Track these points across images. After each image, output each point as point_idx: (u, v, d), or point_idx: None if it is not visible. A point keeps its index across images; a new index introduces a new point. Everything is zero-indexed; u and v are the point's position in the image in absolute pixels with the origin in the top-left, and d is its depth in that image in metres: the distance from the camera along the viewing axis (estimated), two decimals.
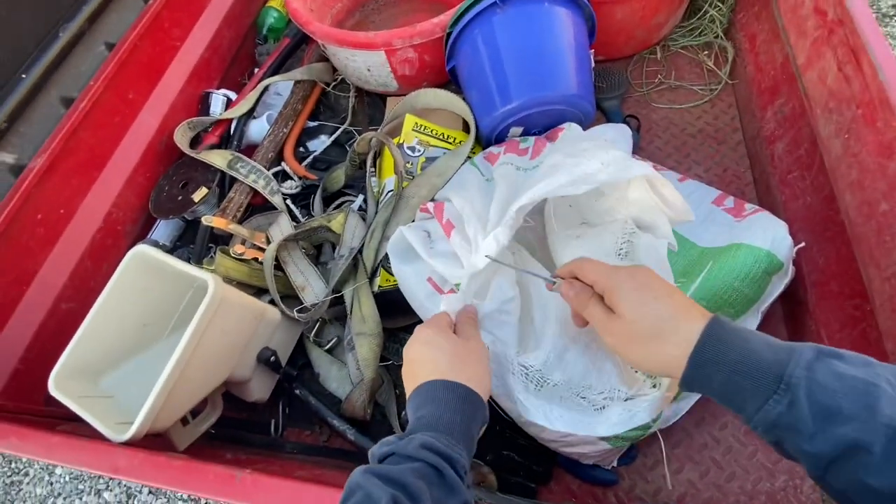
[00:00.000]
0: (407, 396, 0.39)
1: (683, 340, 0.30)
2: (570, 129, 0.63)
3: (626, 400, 0.45)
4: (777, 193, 0.65)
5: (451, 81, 0.77)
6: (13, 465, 0.95)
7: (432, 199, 0.63)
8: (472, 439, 0.36)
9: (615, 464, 0.54)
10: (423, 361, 0.39)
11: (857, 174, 0.49)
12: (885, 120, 0.46)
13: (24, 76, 0.65)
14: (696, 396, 0.53)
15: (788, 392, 0.27)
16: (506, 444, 0.55)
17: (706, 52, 0.83)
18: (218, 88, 0.87)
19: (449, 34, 0.69)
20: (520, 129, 0.68)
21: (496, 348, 0.47)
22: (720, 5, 0.82)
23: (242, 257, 0.62)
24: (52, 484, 0.92)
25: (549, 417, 0.44)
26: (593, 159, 0.44)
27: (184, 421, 0.53)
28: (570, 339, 0.49)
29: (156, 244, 0.74)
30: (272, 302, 0.60)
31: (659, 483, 0.55)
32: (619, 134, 0.65)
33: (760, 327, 0.55)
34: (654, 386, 0.44)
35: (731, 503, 0.53)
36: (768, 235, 0.51)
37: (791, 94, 0.64)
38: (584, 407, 0.46)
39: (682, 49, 0.85)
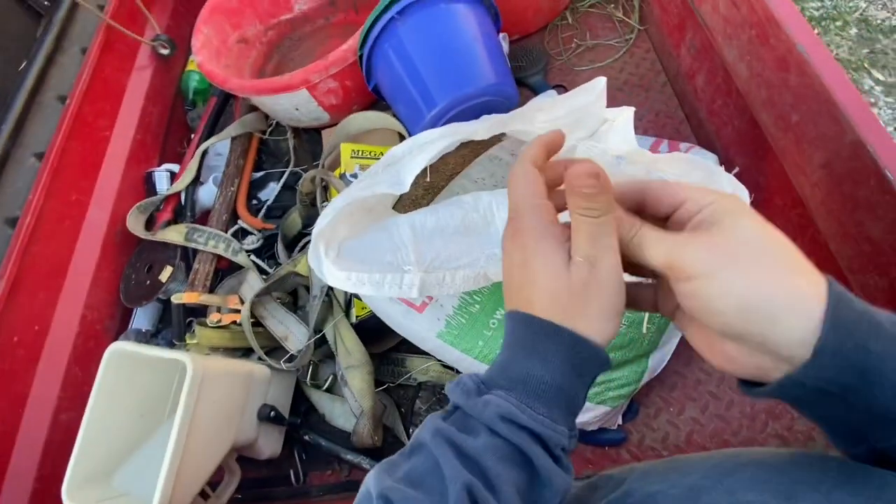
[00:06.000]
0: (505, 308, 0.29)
1: (813, 275, 0.22)
2: None
3: None
4: (708, 125, 0.66)
5: (379, 99, 0.78)
6: None
7: None
8: (578, 402, 0.27)
9: (620, 422, 0.56)
10: (516, 287, 0.28)
11: (766, 92, 0.51)
12: (775, 36, 0.47)
13: None
14: (676, 339, 0.54)
15: None
16: None
17: (613, 5, 0.85)
18: (159, 165, 0.87)
19: (361, 55, 0.70)
20: None
21: None
22: None
23: (220, 324, 0.63)
24: None
25: None
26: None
27: (204, 495, 0.54)
28: None
29: (139, 332, 0.75)
30: (261, 359, 0.61)
31: (666, 429, 0.57)
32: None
33: None
34: None
35: (735, 428, 0.55)
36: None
37: (695, 27, 0.66)
38: None
39: (590, 8, 0.87)
